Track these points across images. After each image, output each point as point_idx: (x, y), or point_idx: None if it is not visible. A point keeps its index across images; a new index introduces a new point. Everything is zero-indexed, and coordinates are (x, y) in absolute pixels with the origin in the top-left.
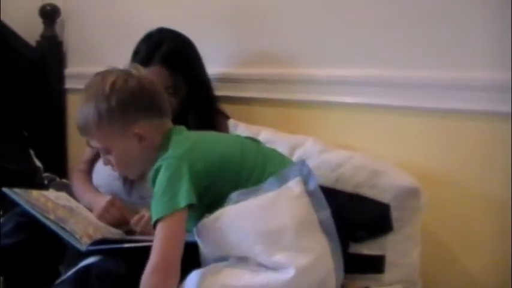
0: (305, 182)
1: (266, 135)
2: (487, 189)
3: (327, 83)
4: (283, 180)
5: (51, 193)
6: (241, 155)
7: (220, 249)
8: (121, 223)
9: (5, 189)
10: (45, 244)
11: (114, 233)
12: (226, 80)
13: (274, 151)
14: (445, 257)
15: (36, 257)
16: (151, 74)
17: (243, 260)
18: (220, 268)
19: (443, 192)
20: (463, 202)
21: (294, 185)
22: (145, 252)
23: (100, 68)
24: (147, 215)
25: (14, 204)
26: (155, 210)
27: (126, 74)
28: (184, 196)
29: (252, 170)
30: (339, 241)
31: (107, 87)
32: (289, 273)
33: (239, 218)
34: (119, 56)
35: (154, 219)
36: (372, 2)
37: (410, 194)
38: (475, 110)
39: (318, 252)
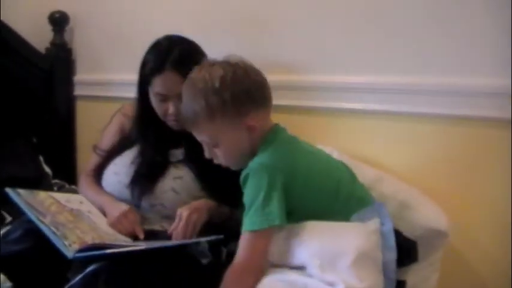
0: (382, 223)
1: None
2: (489, 193)
3: (336, 89)
4: (362, 219)
5: (62, 196)
6: (336, 193)
7: (280, 255)
8: (131, 235)
9: (8, 189)
10: (53, 250)
11: (121, 240)
12: None
13: (362, 189)
14: (450, 261)
15: (45, 263)
16: (163, 81)
17: (296, 269)
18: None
19: (449, 198)
20: (468, 209)
21: (371, 224)
22: (151, 257)
23: (109, 75)
24: (184, 214)
25: (21, 211)
26: (250, 221)
27: (232, 66)
28: (279, 214)
29: (336, 211)
30: (394, 287)
31: (217, 82)
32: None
33: (309, 232)
34: (128, 63)
35: (246, 229)
36: (380, 10)
37: (439, 235)
38: (477, 116)
39: (369, 286)
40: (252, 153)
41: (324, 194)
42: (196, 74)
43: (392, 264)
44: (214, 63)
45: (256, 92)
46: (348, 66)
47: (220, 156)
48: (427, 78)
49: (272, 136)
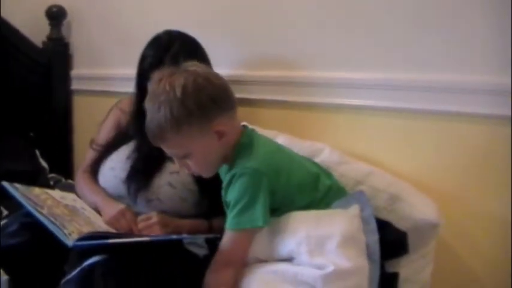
0: (361, 209)
1: (282, 141)
2: (488, 191)
3: (335, 85)
4: (343, 206)
5: (56, 192)
6: (315, 185)
7: (267, 249)
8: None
9: (5, 183)
10: (50, 244)
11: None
12: (233, 82)
13: (338, 182)
14: (444, 258)
15: (42, 256)
16: None
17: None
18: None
19: (448, 195)
20: (466, 207)
21: (352, 210)
22: (148, 250)
23: (106, 70)
24: (155, 219)
25: (18, 204)
26: (234, 221)
27: (192, 73)
28: (263, 215)
29: (318, 202)
30: (379, 269)
31: (179, 92)
32: (326, 270)
33: (294, 222)
34: (125, 58)
35: (230, 228)
36: (380, 8)
37: (430, 227)
38: (476, 113)
39: (357, 265)
40: (225, 158)
41: (305, 187)
42: (155, 86)
43: (376, 246)
44: (172, 73)
45: (219, 96)
46: (348, 62)
47: (192, 166)
48: (427, 75)
49: (247, 139)
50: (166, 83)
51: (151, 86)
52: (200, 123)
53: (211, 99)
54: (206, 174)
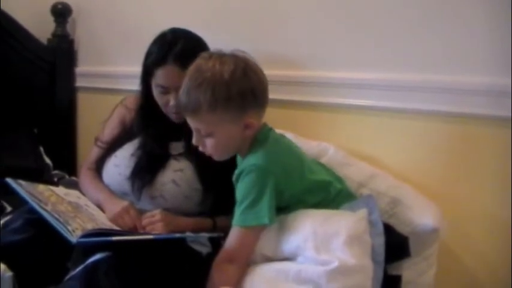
0: (369, 213)
1: None
2: (488, 192)
3: (338, 85)
4: (351, 209)
5: (60, 189)
6: (327, 187)
7: (274, 245)
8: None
9: (9, 179)
10: (53, 240)
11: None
12: None
13: (351, 194)
14: (445, 259)
15: (45, 253)
16: (165, 73)
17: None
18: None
19: (449, 196)
20: (466, 209)
21: (360, 212)
22: (152, 248)
23: (110, 67)
24: (158, 217)
25: (22, 200)
26: (240, 218)
27: (242, 61)
28: (268, 213)
29: (328, 204)
30: (382, 271)
31: (227, 75)
32: (331, 265)
33: (301, 219)
34: (130, 55)
35: (236, 224)
36: (381, 8)
37: (430, 231)
38: (478, 114)
39: (361, 263)
40: (239, 149)
41: (315, 190)
42: (204, 62)
43: (381, 248)
44: (223, 55)
45: (260, 90)
46: (350, 62)
47: (209, 146)
48: (429, 76)
49: (262, 136)
50: (216, 62)
51: (198, 60)
52: (236, 111)
53: (252, 92)
54: (218, 158)
